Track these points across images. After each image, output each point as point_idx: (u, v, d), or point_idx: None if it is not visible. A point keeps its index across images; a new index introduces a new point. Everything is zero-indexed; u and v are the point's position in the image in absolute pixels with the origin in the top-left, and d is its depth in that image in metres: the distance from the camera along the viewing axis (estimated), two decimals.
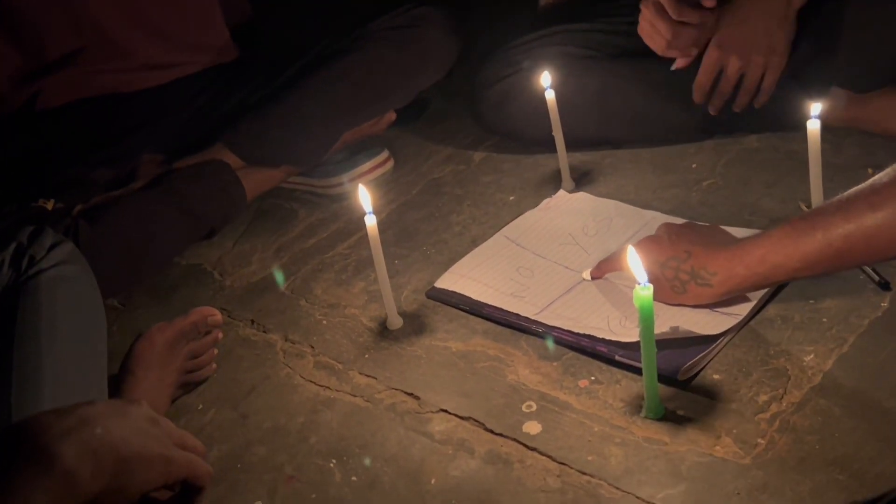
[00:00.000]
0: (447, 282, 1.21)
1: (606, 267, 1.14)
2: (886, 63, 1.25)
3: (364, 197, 1.12)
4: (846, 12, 1.24)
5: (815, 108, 1.10)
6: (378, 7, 1.62)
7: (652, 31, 1.29)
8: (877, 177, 0.84)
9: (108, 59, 1.51)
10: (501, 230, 1.30)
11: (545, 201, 1.35)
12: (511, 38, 1.55)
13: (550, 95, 1.32)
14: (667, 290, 1.01)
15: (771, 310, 1.05)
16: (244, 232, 1.51)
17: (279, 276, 1.20)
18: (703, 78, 1.32)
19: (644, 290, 0.84)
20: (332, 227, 1.48)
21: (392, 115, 1.60)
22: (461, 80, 1.68)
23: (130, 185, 1.42)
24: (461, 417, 1.00)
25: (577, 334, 1.05)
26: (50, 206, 1.28)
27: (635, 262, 0.87)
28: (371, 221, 1.11)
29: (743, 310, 1.01)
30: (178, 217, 1.40)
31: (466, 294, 1.17)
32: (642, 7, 1.30)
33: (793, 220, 0.91)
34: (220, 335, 1.15)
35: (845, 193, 0.86)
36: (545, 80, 1.32)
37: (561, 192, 1.36)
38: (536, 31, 1.51)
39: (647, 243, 1.02)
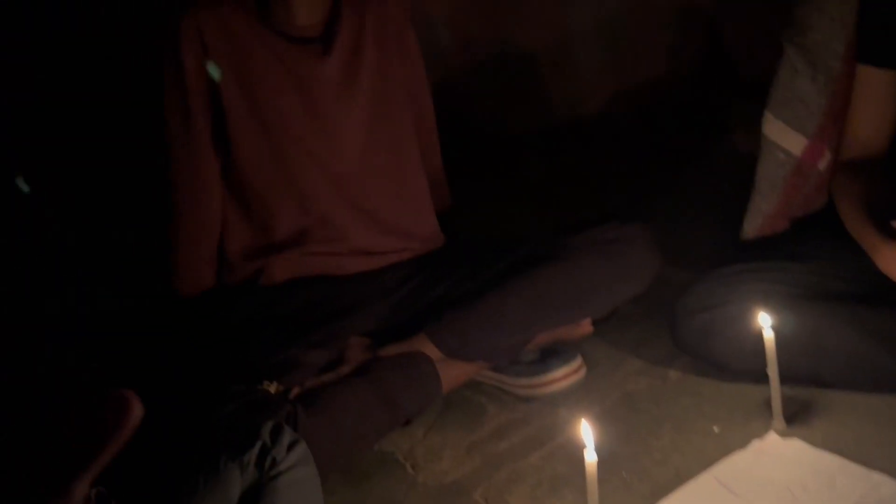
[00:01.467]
0: None
1: None
2: None
3: (587, 433, 1.12)
4: None
5: None
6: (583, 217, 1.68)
7: None
8: None
9: (327, 241, 1.62)
10: (710, 469, 1.27)
11: (755, 442, 1.31)
12: (711, 261, 1.56)
13: (769, 335, 1.30)
14: None
15: None
16: (434, 423, 1.53)
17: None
18: None
19: None
20: (523, 430, 1.48)
21: (590, 329, 1.62)
22: (651, 289, 1.69)
23: (339, 370, 1.49)
24: None
25: None
26: (273, 389, 1.36)
27: None
28: (591, 459, 1.11)
29: None
30: (382, 406, 1.44)
31: None
32: None
33: None
34: None
35: None
36: (764, 319, 1.31)
37: (772, 435, 1.32)
38: (742, 262, 1.51)
39: None
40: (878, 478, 1.19)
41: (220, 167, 1.57)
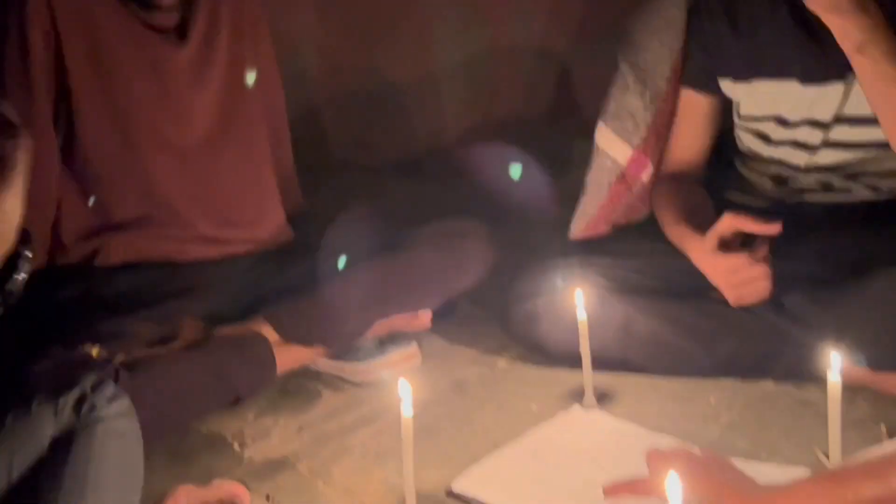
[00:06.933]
0: (465, 485, 1.24)
1: (624, 488, 1.15)
2: None
3: (405, 391, 1.17)
4: (872, 294, 1.35)
5: (836, 364, 1.17)
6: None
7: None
8: None
9: (169, 227, 1.61)
10: (521, 438, 1.34)
11: (562, 414, 1.40)
12: (541, 257, 1.67)
13: (582, 317, 1.41)
14: None
15: None
16: (266, 406, 1.54)
17: None
18: None
19: None
20: (355, 412, 1.51)
21: (428, 323, 1.68)
22: (488, 289, 1.77)
23: (171, 345, 1.47)
24: None
25: None
26: (94, 352, 1.33)
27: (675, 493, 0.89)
28: (408, 415, 1.16)
29: None
30: (211, 381, 1.44)
31: (485, 501, 1.20)
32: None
33: (816, 478, 0.95)
34: None
35: (873, 457, 0.90)
36: (578, 300, 1.42)
37: (576, 407, 1.42)
38: (569, 256, 1.63)
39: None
40: (666, 441, 1.29)
41: (60, 146, 1.54)
